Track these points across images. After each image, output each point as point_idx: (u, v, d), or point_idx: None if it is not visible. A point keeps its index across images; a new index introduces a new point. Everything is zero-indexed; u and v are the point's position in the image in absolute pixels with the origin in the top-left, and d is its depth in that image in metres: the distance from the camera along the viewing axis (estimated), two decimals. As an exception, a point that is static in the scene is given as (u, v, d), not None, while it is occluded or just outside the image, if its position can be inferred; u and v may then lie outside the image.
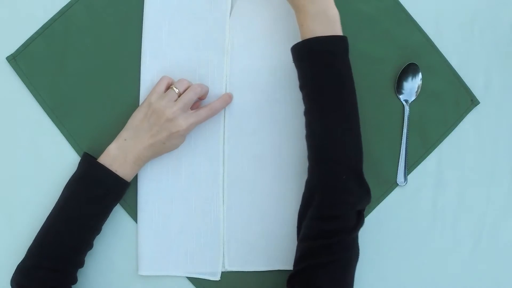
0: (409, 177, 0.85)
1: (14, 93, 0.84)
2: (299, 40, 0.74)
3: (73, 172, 0.78)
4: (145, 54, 0.84)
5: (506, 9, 0.87)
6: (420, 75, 0.85)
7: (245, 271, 0.82)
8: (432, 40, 0.86)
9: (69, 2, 0.85)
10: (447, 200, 0.84)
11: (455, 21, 0.87)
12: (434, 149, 0.85)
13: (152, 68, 0.84)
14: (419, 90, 0.85)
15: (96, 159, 0.78)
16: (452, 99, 0.85)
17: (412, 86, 0.85)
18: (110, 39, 0.84)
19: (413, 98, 0.85)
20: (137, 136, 0.77)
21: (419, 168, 0.85)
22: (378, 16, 0.85)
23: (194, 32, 0.84)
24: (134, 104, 0.83)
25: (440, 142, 0.85)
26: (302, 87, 0.75)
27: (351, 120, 0.72)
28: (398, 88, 0.85)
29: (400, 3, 0.86)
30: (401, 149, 0.84)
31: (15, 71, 0.84)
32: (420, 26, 0.86)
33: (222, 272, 0.82)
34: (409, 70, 0.85)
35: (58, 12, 0.84)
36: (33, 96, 0.84)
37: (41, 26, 0.84)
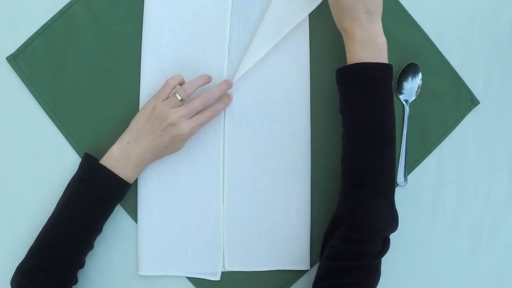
0: (409, 177, 0.85)
1: (14, 93, 0.84)
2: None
3: (74, 173, 0.78)
4: (145, 54, 0.84)
5: (506, 9, 0.87)
6: (420, 75, 0.85)
7: (245, 271, 0.82)
8: (432, 40, 0.86)
9: (69, 2, 0.85)
10: (447, 200, 0.84)
11: (455, 21, 0.87)
12: (434, 149, 0.85)
13: (152, 68, 0.84)
14: (419, 90, 0.85)
15: (98, 160, 0.78)
16: (452, 99, 0.85)
17: (412, 86, 0.85)
18: (110, 39, 0.84)
19: (413, 98, 0.85)
20: (140, 139, 0.77)
21: (419, 168, 0.85)
22: (378, 16, 0.86)
23: (194, 32, 0.84)
24: (134, 104, 0.83)
25: (440, 142, 0.85)
26: (343, 111, 0.75)
27: (389, 149, 0.73)
28: (398, 88, 0.85)
29: (400, 3, 0.86)
30: (401, 149, 0.84)
31: (15, 71, 0.84)
32: (420, 26, 0.86)
33: (222, 272, 0.82)
34: (409, 70, 0.85)
35: (58, 12, 0.84)
36: (33, 96, 0.83)
37: (41, 26, 0.84)
